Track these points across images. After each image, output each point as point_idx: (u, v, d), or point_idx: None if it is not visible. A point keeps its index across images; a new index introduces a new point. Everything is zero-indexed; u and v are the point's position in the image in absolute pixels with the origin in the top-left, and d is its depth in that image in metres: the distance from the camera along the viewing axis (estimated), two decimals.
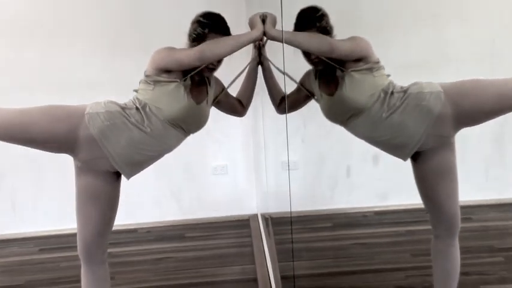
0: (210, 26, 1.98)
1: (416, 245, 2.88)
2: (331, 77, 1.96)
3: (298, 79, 2.21)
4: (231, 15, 3.40)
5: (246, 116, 3.70)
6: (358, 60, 1.89)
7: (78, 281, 2.88)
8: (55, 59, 3.60)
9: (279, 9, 2.06)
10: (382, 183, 3.27)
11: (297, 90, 2.20)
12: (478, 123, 1.98)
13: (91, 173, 1.98)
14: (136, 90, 2.00)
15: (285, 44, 2.01)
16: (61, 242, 3.61)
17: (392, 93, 1.88)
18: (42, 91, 3.56)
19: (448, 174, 1.99)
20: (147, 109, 1.91)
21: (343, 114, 1.96)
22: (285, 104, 2.22)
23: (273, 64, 2.23)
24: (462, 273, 2.42)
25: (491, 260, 2.76)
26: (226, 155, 3.87)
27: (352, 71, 1.88)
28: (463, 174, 2.91)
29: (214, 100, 2.17)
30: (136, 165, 2.02)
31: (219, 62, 2.05)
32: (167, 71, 1.93)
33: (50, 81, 3.66)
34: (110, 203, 2.05)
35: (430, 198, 2.06)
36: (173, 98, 1.93)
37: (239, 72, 2.25)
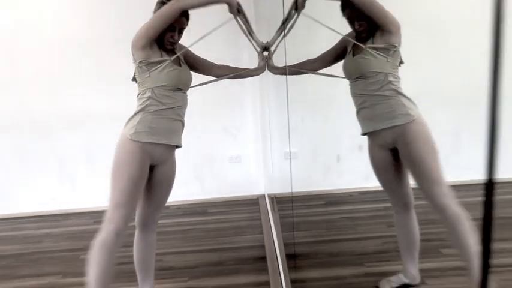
0: None
1: (391, 218, 2.75)
2: (361, 48, 1.90)
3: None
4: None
5: (255, 114, 3.88)
6: (382, 33, 1.83)
7: (124, 245, 2.96)
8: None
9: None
10: (365, 168, 3.22)
11: (334, 47, 2.10)
12: (402, 164, 1.96)
13: (159, 165, 1.99)
14: (135, 80, 1.96)
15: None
16: None
17: (390, 82, 1.85)
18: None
19: (394, 171, 1.97)
20: (156, 92, 1.88)
21: (352, 74, 1.93)
22: (314, 63, 2.15)
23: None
24: (425, 240, 2.43)
25: None
26: (240, 147, 3.95)
27: (371, 47, 1.84)
28: None
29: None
30: (180, 132, 2.03)
31: (180, 33, 1.95)
32: (150, 48, 1.87)
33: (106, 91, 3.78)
34: (170, 185, 2.09)
35: (383, 185, 2.09)
36: (168, 73, 1.89)
37: (236, 71, 2.18)
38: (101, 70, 3.74)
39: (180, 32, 1.95)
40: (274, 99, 3.31)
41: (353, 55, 1.95)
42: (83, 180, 3.89)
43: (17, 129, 3.79)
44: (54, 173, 3.86)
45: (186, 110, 2.05)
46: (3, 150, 3.81)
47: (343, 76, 2.04)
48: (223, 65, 2.19)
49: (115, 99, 3.70)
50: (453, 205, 1.82)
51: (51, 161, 3.84)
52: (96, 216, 3.73)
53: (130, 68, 1.98)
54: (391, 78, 1.86)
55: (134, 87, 1.96)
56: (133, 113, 1.95)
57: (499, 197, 0.66)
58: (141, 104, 1.92)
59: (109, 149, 3.89)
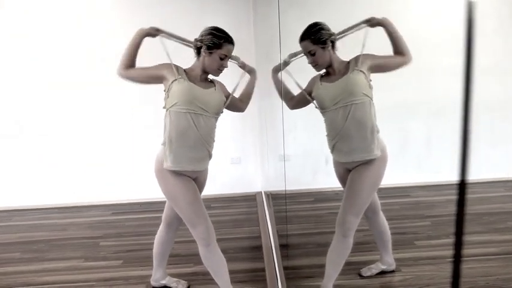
0: (224, 38, 1.81)
1: None
2: (339, 72, 1.82)
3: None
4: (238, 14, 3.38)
5: (253, 121, 3.87)
6: (369, 64, 1.78)
7: (137, 234, 3.06)
8: None
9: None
10: None
11: (300, 93, 2.00)
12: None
13: (186, 178, 1.89)
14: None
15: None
16: (126, 208, 3.76)
17: (372, 114, 1.77)
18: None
19: (360, 188, 1.84)
20: (172, 113, 1.78)
21: (336, 97, 1.78)
22: (292, 102, 2.06)
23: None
24: (401, 233, 2.57)
25: (421, 223, 2.79)
26: (240, 149, 3.94)
27: (360, 70, 1.76)
28: (404, 165, 2.99)
29: (226, 101, 1.96)
30: (206, 160, 1.94)
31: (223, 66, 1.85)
32: (162, 79, 1.82)
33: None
34: (200, 192, 2.00)
35: None
36: (179, 89, 1.77)
37: (237, 82, 2.05)
38: None
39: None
40: (270, 109, 3.30)
41: (330, 82, 1.83)
42: (103, 176, 3.88)
43: (45, 129, 3.78)
44: (78, 169, 3.85)
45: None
46: (36, 147, 3.80)
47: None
48: (241, 95, 2.10)
49: (133, 95, 3.70)
50: (352, 236, 1.89)
51: (75, 158, 3.83)
52: (113, 208, 3.79)
53: None
54: (373, 111, 1.78)
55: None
56: (163, 137, 1.86)
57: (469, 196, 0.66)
58: (165, 130, 1.84)
59: (129, 148, 3.86)
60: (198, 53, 1.88)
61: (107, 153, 3.81)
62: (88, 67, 3.62)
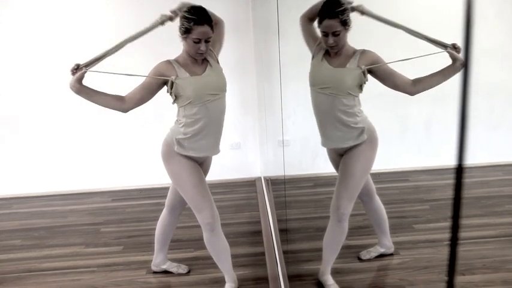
0: (194, 20, 1.68)
1: None
2: (341, 58, 1.79)
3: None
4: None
5: (253, 107, 3.85)
6: (369, 71, 1.78)
7: (138, 220, 3.07)
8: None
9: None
10: None
11: (316, 36, 1.88)
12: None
13: (193, 163, 1.92)
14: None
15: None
16: (126, 195, 3.75)
17: (356, 107, 1.79)
18: None
19: (352, 172, 1.85)
20: (187, 109, 1.80)
21: (325, 83, 1.77)
22: (309, 23, 1.90)
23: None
24: (400, 217, 2.58)
25: (421, 207, 2.80)
26: (240, 135, 3.93)
27: (360, 68, 1.75)
28: (403, 150, 3.00)
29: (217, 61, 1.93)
30: (218, 143, 1.96)
31: (207, 42, 1.74)
32: (160, 86, 1.83)
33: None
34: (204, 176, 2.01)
35: None
36: (186, 87, 1.76)
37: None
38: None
39: (207, 42, 1.75)
40: (269, 95, 3.29)
41: (331, 64, 1.79)
42: (103, 163, 3.87)
43: (45, 117, 3.77)
44: (78, 156, 3.85)
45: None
46: (36, 134, 3.79)
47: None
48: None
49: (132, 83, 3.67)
50: (347, 221, 1.89)
51: (75, 145, 3.83)
52: (113, 194, 3.79)
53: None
54: (357, 104, 1.79)
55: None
56: (178, 122, 1.87)
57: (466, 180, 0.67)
58: (178, 121, 1.85)
59: (129, 134, 3.84)
60: None
61: (107, 140, 3.80)
62: (89, 55, 3.59)
